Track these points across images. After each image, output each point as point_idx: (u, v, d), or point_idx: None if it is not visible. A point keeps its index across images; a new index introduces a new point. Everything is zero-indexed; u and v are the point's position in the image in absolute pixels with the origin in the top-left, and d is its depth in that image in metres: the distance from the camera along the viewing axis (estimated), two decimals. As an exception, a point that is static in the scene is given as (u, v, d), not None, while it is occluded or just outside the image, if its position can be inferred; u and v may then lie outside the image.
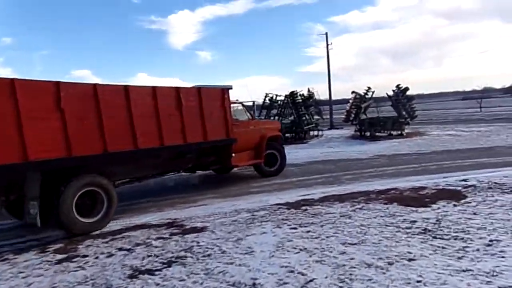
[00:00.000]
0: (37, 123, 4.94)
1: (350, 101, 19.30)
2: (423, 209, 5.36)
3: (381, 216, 5.09)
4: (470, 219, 4.77)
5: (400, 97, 17.84)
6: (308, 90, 21.13)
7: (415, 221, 4.79)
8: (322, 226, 4.85)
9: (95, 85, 5.68)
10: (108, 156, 5.73)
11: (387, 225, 4.70)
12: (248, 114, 9.42)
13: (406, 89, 18.21)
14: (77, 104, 5.39)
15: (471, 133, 16.93)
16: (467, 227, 4.45)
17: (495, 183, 6.87)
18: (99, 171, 5.77)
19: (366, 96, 19.76)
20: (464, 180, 7.31)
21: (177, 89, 6.92)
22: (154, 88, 6.47)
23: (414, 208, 5.39)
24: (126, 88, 6.06)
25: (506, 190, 6.25)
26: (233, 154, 8.33)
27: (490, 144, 13.55)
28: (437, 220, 4.78)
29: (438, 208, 5.38)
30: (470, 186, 6.74)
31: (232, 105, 8.66)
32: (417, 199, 6.00)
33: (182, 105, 6.86)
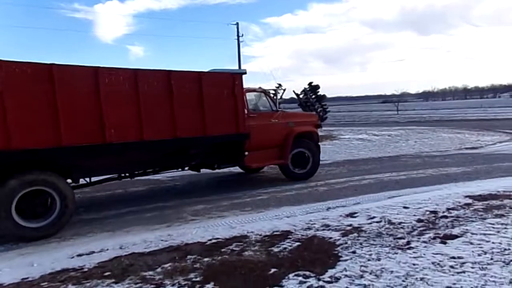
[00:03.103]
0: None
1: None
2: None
3: None
4: None
5: (309, 96, 15.86)
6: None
7: None
8: None
9: (51, 65, 4.76)
10: (64, 150, 4.86)
11: None
12: (272, 104, 7.65)
13: (317, 87, 16.29)
14: (24, 88, 4.53)
15: (381, 137, 15.67)
16: None
17: (390, 222, 4.72)
18: (57, 167, 5.01)
19: (276, 96, 17.50)
20: (352, 215, 5.13)
21: (168, 74, 5.74)
22: (135, 72, 5.45)
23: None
24: (95, 69, 5.12)
25: (400, 240, 4.06)
26: (246, 153, 6.82)
27: (397, 152, 12.14)
28: None
29: (276, 301, 2.83)
30: (354, 230, 4.48)
31: (251, 93, 7.36)
32: (256, 270, 3.42)
33: (172, 94, 5.73)
